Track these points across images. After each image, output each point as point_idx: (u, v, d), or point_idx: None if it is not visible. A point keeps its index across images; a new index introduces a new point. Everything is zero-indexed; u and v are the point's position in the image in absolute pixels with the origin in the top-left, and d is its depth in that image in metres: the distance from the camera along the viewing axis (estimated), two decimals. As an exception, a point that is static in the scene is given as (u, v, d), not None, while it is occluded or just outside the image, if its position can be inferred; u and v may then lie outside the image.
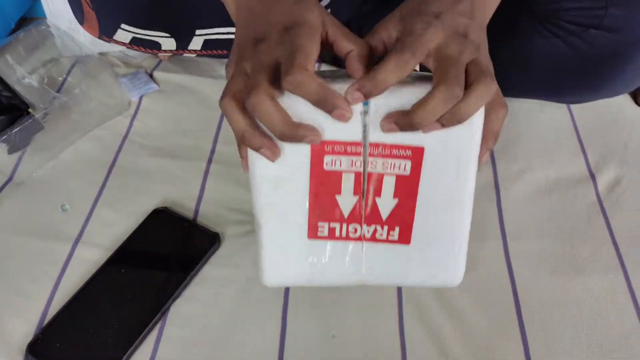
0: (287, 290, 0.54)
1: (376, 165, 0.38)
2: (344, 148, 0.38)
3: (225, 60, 0.78)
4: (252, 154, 0.40)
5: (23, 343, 0.49)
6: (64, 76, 0.75)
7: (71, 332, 0.49)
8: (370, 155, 0.38)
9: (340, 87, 0.35)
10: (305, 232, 0.42)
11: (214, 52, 0.69)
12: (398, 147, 0.37)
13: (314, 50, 0.35)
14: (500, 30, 0.62)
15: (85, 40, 0.74)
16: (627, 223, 0.60)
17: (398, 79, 0.34)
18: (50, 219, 0.59)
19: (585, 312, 0.53)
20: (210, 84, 0.75)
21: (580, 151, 0.68)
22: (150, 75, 0.76)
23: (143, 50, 0.66)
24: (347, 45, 0.37)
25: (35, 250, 0.56)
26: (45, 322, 0.50)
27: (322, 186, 0.40)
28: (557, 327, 0.52)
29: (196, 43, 0.66)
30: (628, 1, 0.57)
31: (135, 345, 0.49)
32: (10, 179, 0.63)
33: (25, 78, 0.71)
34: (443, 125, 0.35)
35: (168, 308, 0.52)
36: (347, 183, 0.40)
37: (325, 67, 0.77)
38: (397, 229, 0.41)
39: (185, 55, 0.72)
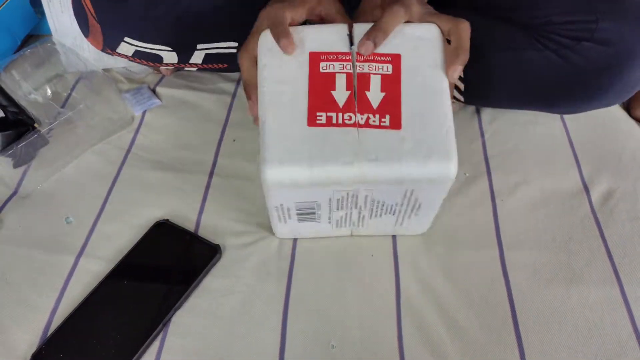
0: (286, 300, 0.54)
1: (363, 67, 0.47)
2: (335, 56, 0.49)
3: (226, 74, 0.80)
4: (263, 60, 0.49)
5: (27, 353, 0.50)
6: (69, 92, 0.76)
7: (75, 342, 0.50)
8: (357, 61, 0.47)
9: (326, 25, 0.51)
10: (305, 120, 0.47)
11: (215, 65, 0.70)
12: (379, 54, 0.48)
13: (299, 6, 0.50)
14: (494, 42, 0.64)
15: (89, 56, 0.75)
16: (620, 234, 0.61)
17: (395, 26, 0.48)
18: (54, 231, 0.60)
19: (580, 322, 0.54)
20: (211, 99, 0.76)
21: (574, 163, 0.69)
22: (153, 91, 0.77)
23: (145, 63, 0.68)
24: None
25: (40, 262, 0.57)
26: (49, 332, 0.51)
27: (319, 84, 0.48)
28: (553, 337, 0.53)
29: (197, 57, 0.67)
30: (618, 15, 0.58)
31: (138, 356, 0.49)
32: (15, 192, 0.64)
33: (31, 94, 0.73)
34: (375, 43, 0.48)
35: (170, 319, 0.53)
36: (340, 81, 0.48)
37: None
38: (387, 117, 0.46)
39: (186, 69, 0.74)
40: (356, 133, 0.47)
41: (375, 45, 0.48)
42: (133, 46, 0.65)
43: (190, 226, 0.60)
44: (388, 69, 0.48)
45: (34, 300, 0.54)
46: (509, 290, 0.56)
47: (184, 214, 0.62)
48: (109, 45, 0.65)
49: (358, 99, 0.47)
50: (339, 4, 0.53)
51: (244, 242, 0.59)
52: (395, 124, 0.46)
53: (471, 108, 0.76)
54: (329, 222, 0.56)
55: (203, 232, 0.60)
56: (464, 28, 0.49)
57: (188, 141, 0.71)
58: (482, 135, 0.72)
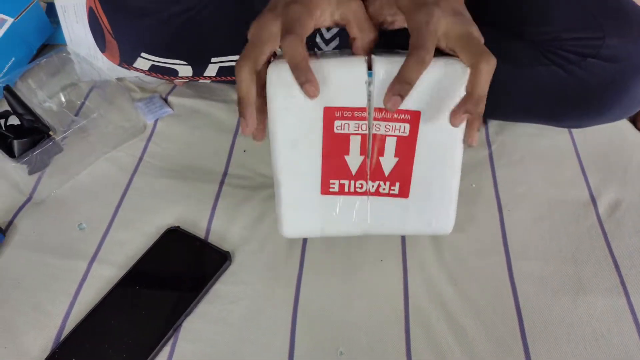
0: (295, 306, 0.55)
1: (380, 128, 0.44)
2: (351, 113, 0.45)
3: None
4: (273, 116, 0.46)
5: (41, 357, 0.50)
6: (83, 100, 0.78)
7: (87, 347, 0.51)
8: (374, 119, 0.44)
9: (344, 61, 0.46)
10: (319, 188, 0.49)
11: (228, 78, 0.71)
12: (399, 111, 0.43)
13: (309, 23, 0.43)
14: (501, 57, 0.65)
15: (103, 66, 0.77)
16: (627, 245, 0.61)
17: (421, 74, 0.41)
18: (67, 237, 0.61)
19: (587, 333, 0.54)
20: (222, 108, 0.77)
21: (581, 174, 0.69)
22: (165, 100, 0.78)
23: (161, 77, 0.69)
24: (354, 32, 0.46)
25: (53, 267, 0.58)
26: (62, 337, 0.52)
27: (333, 147, 0.46)
28: (561, 347, 0.53)
29: (211, 70, 0.69)
30: (624, 32, 0.59)
31: (149, 360, 0.50)
32: (29, 199, 0.65)
33: (46, 102, 0.75)
34: (401, 97, 0.41)
35: (180, 324, 0.53)
36: (354, 144, 0.47)
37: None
38: (397, 184, 0.47)
39: (200, 81, 0.75)
40: (366, 201, 0.50)
41: (402, 99, 0.42)
42: (149, 61, 0.66)
43: (200, 233, 0.61)
44: (405, 130, 0.45)
45: (47, 305, 0.55)
46: (516, 299, 0.57)
47: (194, 221, 0.63)
48: (126, 61, 0.67)
49: (371, 165, 0.48)
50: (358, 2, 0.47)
51: (253, 249, 0.60)
52: (404, 192, 0.48)
53: (478, 119, 0.76)
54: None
55: (213, 239, 0.61)
56: (485, 70, 0.43)
57: (199, 150, 0.72)
58: (489, 146, 0.73)
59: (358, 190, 0.49)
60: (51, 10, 0.84)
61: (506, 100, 0.68)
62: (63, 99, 0.77)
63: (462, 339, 0.53)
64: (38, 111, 0.67)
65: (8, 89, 0.66)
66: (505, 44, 0.65)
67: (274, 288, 0.57)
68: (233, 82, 0.76)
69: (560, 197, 0.67)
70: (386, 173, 0.47)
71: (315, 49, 0.69)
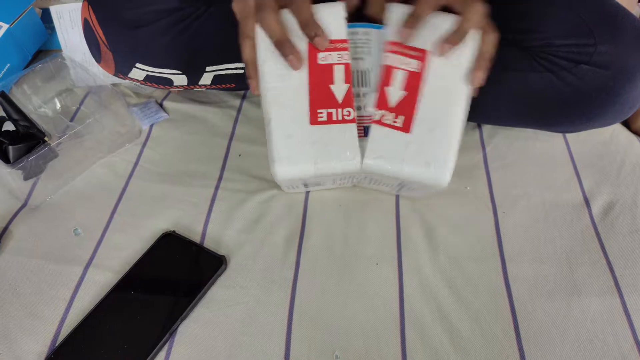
0: (291, 310, 0.55)
1: (387, 58, 0.46)
2: (333, 45, 0.49)
3: (234, 92, 0.81)
4: (262, 55, 0.50)
5: (36, 363, 0.50)
6: (78, 106, 0.78)
7: (83, 352, 0.51)
8: (386, 50, 0.46)
9: (324, 4, 0.49)
10: (308, 119, 0.50)
11: (223, 86, 0.72)
12: (408, 47, 0.46)
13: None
14: (495, 64, 0.65)
15: (98, 71, 0.77)
16: (621, 246, 0.62)
17: (430, 11, 0.49)
18: (63, 242, 0.61)
19: (582, 334, 0.54)
20: (218, 113, 0.78)
21: (575, 176, 0.70)
22: (161, 105, 0.79)
23: (156, 86, 0.69)
24: None
25: (49, 273, 0.58)
26: (58, 342, 0.52)
27: (318, 78, 0.48)
28: (555, 349, 0.53)
29: (206, 79, 0.69)
30: (616, 38, 0.60)
31: (145, 365, 0.50)
32: (25, 204, 0.65)
33: (41, 107, 0.75)
34: (451, 44, 0.49)
35: (176, 329, 0.53)
36: (338, 73, 0.48)
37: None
38: (401, 117, 0.47)
39: (195, 89, 0.75)
40: (354, 129, 0.50)
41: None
42: (144, 71, 0.66)
43: (196, 237, 0.61)
44: (415, 66, 0.48)
45: (43, 311, 0.55)
46: (511, 301, 0.57)
47: (190, 226, 0.63)
48: (121, 71, 0.67)
49: (379, 93, 0.49)
50: None
51: (249, 253, 0.60)
52: (407, 127, 0.48)
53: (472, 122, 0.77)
54: (333, 184, 0.62)
55: (209, 243, 0.61)
56: (494, 39, 0.52)
57: (194, 155, 0.72)
58: (484, 148, 0.73)
59: (346, 118, 0.49)
60: (46, 16, 0.84)
61: (499, 106, 0.68)
62: (58, 105, 0.77)
63: (457, 342, 0.53)
64: (33, 117, 0.67)
65: (3, 95, 0.66)
66: (498, 50, 0.65)
67: (270, 292, 0.57)
68: (228, 90, 0.77)
69: (554, 199, 0.67)
70: (391, 104, 0.48)
71: None
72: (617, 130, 0.76)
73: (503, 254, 0.61)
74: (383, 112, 0.48)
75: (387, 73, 0.47)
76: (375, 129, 0.49)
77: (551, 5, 0.62)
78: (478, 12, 0.52)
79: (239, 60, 0.68)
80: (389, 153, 0.50)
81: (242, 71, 0.69)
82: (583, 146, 0.74)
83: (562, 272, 0.60)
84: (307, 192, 0.66)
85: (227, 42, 0.66)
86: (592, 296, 0.57)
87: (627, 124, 0.78)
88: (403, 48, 0.47)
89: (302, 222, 0.63)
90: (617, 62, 0.59)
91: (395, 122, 0.48)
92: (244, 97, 0.81)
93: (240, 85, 0.72)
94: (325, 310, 0.56)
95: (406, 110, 0.48)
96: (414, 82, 0.47)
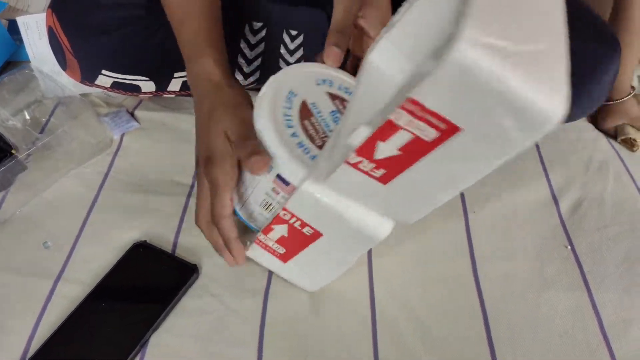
0: (263, 318, 0.55)
1: (400, 118, 0.34)
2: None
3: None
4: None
5: (5, 379, 0.50)
6: (48, 117, 0.77)
7: (53, 366, 0.50)
8: (402, 108, 0.32)
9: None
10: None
11: (192, 92, 0.72)
12: (437, 116, 0.32)
13: (229, 183, 0.47)
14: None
15: (68, 82, 0.76)
16: (589, 243, 0.63)
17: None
18: (32, 256, 0.60)
19: (552, 330, 0.55)
20: (189, 121, 0.77)
21: (543, 174, 0.71)
22: (132, 114, 0.78)
23: (123, 93, 0.69)
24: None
25: (18, 287, 0.57)
26: (28, 357, 0.51)
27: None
28: (526, 345, 0.54)
29: (174, 85, 0.69)
30: (579, 34, 0.61)
31: (116, 378, 0.50)
32: (-6, 218, 0.64)
33: (9, 120, 0.74)
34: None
35: (148, 340, 0.53)
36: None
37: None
38: (382, 171, 0.39)
39: (164, 96, 0.75)
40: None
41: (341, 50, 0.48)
42: (111, 78, 0.66)
43: (168, 247, 0.61)
44: (429, 135, 0.34)
45: (12, 326, 0.54)
46: (481, 300, 0.58)
47: (161, 235, 0.62)
48: (87, 78, 0.66)
49: (367, 143, 0.38)
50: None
51: (221, 261, 0.59)
52: (386, 179, 0.40)
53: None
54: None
55: (180, 252, 0.61)
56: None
57: (166, 163, 0.72)
58: (454, 149, 0.74)
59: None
60: (13, 28, 0.83)
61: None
62: (27, 117, 0.76)
63: (429, 342, 0.54)
64: (0, 130, 0.66)
65: (-31, 109, 0.65)
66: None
67: (242, 300, 0.57)
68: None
69: (523, 197, 0.68)
70: (376, 157, 0.38)
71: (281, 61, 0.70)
72: (584, 128, 0.78)
73: (473, 253, 0.62)
74: (362, 159, 0.38)
75: (388, 129, 0.35)
76: (345, 169, 0.40)
77: None
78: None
79: None
80: (350, 193, 0.43)
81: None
82: (551, 144, 0.75)
83: (532, 269, 0.60)
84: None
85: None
86: (561, 292, 0.58)
87: (594, 122, 0.79)
88: (425, 112, 0.32)
89: (275, 228, 0.63)
90: (581, 57, 0.60)
91: (373, 172, 0.39)
92: (216, 104, 0.80)
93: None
94: (297, 317, 0.56)
95: (392, 167, 0.38)
96: (418, 149, 0.35)
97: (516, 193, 0.68)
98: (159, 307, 0.55)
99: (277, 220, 0.48)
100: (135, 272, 0.58)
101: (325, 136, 0.47)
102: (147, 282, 0.58)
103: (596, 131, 0.78)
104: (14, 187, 0.66)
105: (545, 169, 0.72)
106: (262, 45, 0.69)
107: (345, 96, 0.50)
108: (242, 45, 0.69)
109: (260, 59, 0.70)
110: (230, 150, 0.47)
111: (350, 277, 0.59)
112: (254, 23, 0.68)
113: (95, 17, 0.62)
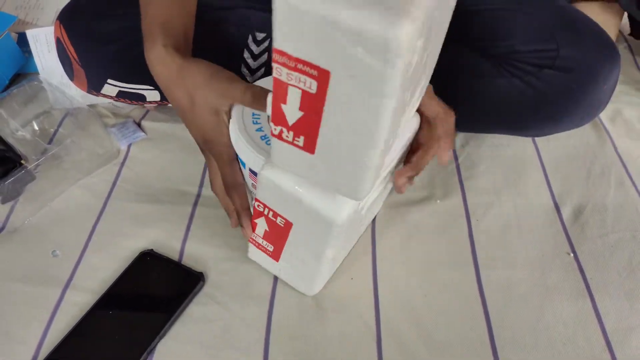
0: (268, 325, 0.56)
1: (281, 73, 0.36)
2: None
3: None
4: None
5: (14, 386, 0.51)
6: (56, 128, 0.79)
7: (61, 374, 0.51)
8: (273, 61, 0.36)
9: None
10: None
11: (197, 101, 0.73)
12: (303, 62, 0.35)
13: (231, 153, 0.51)
14: (463, 70, 0.67)
15: (75, 93, 0.78)
16: (591, 249, 0.63)
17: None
18: (41, 265, 0.61)
19: (555, 337, 0.55)
20: (195, 131, 0.78)
21: (545, 182, 0.71)
22: (139, 125, 0.79)
23: (129, 102, 0.70)
24: None
25: (27, 295, 0.58)
26: (36, 365, 0.52)
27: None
28: (529, 353, 0.54)
29: None
30: (577, 43, 0.62)
31: (123, 384, 0.50)
32: (3, 228, 0.65)
33: (18, 131, 0.75)
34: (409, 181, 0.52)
35: (154, 347, 0.54)
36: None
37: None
38: (302, 137, 0.40)
39: (169, 105, 0.76)
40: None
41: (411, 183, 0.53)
42: (116, 87, 0.67)
43: (174, 255, 0.62)
44: (312, 86, 0.36)
45: (21, 334, 0.55)
46: (485, 307, 0.58)
47: (168, 244, 0.63)
48: (93, 88, 0.68)
49: (273, 108, 0.40)
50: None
51: (226, 269, 0.61)
52: (309, 147, 0.41)
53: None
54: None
55: (187, 261, 0.62)
56: (433, 151, 0.52)
57: (172, 173, 0.73)
58: (456, 158, 0.75)
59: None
60: (23, 40, 0.85)
61: (470, 113, 0.70)
62: (36, 127, 0.78)
63: (433, 349, 0.54)
64: (10, 140, 0.68)
65: (-21, 120, 0.66)
66: (466, 58, 0.67)
67: (247, 307, 0.57)
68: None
69: (525, 204, 0.68)
70: (289, 122, 0.40)
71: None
72: (585, 134, 0.78)
73: (477, 260, 0.62)
74: (281, 128, 0.40)
75: (279, 88, 0.38)
76: (276, 143, 0.42)
77: (515, 14, 0.64)
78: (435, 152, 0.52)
79: None
80: (297, 166, 0.44)
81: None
82: (552, 152, 0.76)
83: (535, 276, 0.61)
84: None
85: (199, 57, 0.67)
86: (564, 299, 0.59)
87: None
88: (295, 61, 0.35)
89: (279, 236, 0.64)
90: (579, 66, 0.61)
91: (296, 140, 0.41)
92: (221, 114, 0.81)
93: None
94: (302, 323, 0.56)
95: (307, 131, 0.40)
96: (312, 104, 0.37)
97: (518, 200, 0.69)
98: (166, 314, 0.55)
99: (255, 213, 0.51)
100: (142, 280, 0.59)
101: None
102: (154, 290, 0.58)
103: (598, 137, 0.78)
104: (23, 196, 0.67)
105: (546, 176, 0.72)
106: (265, 56, 0.70)
107: None
108: (246, 55, 0.70)
109: (263, 69, 0.71)
110: (222, 123, 0.50)
111: (355, 282, 0.60)
112: (257, 33, 0.69)
113: (101, 28, 0.63)
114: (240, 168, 0.52)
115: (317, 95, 0.36)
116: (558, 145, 0.77)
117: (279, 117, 0.40)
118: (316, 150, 0.40)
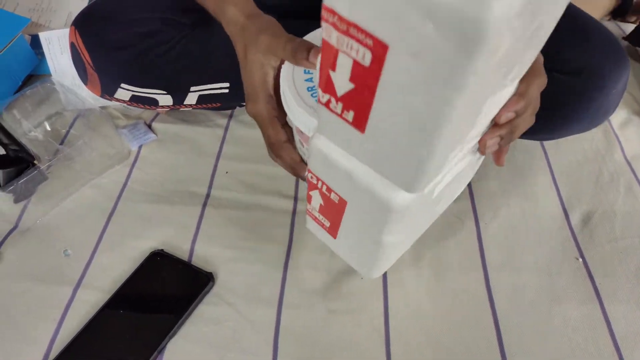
0: (277, 326, 0.56)
1: (330, 35, 0.31)
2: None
3: (220, 112, 0.83)
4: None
5: (26, 384, 0.51)
6: (68, 129, 0.79)
7: (72, 372, 0.52)
8: (323, 19, 0.31)
9: None
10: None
11: (208, 105, 0.73)
12: (357, 27, 0.29)
13: (269, 113, 0.50)
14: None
15: (87, 95, 0.79)
16: (600, 254, 0.63)
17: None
18: (53, 264, 0.62)
19: (564, 342, 0.55)
20: (205, 133, 0.79)
21: (553, 187, 0.72)
22: (149, 126, 0.80)
23: (142, 106, 0.71)
24: None
25: (39, 294, 0.59)
26: (47, 363, 0.53)
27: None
28: (538, 357, 0.54)
29: (191, 98, 0.70)
30: (585, 47, 0.62)
31: (133, 383, 0.51)
32: (15, 227, 0.66)
33: (31, 131, 0.76)
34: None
35: (164, 346, 0.54)
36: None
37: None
38: (351, 112, 0.35)
39: (181, 109, 0.77)
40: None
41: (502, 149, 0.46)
42: (129, 91, 0.68)
43: (184, 255, 0.62)
44: (365, 57, 0.30)
45: (33, 332, 0.55)
46: (494, 311, 0.58)
47: (178, 244, 0.64)
48: (107, 92, 0.68)
49: (321, 73, 0.35)
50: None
51: (236, 269, 0.61)
52: (359, 125, 0.36)
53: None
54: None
55: (196, 261, 0.62)
56: (542, 82, 0.45)
57: (182, 174, 0.73)
58: (465, 162, 0.75)
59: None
60: (36, 42, 0.85)
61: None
62: (48, 128, 0.79)
63: (442, 354, 0.54)
64: (23, 141, 0.68)
65: (-7, 120, 0.67)
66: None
67: (256, 308, 0.58)
68: (214, 109, 0.78)
69: (534, 209, 0.68)
70: (338, 93, 0.34)
71: None
72: (595, 139, 0.78)
73: (486, 265, 0.62)
74: (329, 97, 0.35)
75: (327, 52, 0.32)
76: (324, 112, 0.37)
77: None
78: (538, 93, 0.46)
79: (223, 80, 0.70)
80: (342, 142, 0.39)
81: (226, 91, 0.70)
82: (561, 157, 0.76)
83: (543, 281, 0.61)
84: (294, 211, 0.68)
85: (211, 63, 0.68)
86: (572, 304, 0.59)
87: None
88: (347, 24, 0.29)
89: (289, 239, 0.65)
90: (586, 68, 0.61)
91: (344, 114, 0.36)
92: (230, 117, 0.82)
93: (225, 104, 0.74)
94: (311, 325, 0.56)
95: (357, 107, 0.34)
96: (364, 79, 0.32)
97: (526, 204, 0.69)
98: (176, 314, 0.56)
99: (310, 185, 0.47)
100: (153, 280, 0.59)
101: None
102: (164, 290, 0.59)
103: (607, 143, 0.78)
104: (35, 196, 0.68)
105: (555, 181, 0.72)
106: None
107: None
108: None
109: None
110: (266, 79, 0.49)
111: (365, 286, 0.60)
112: None
113: (115, 33, 0.64)
114: (284, 127, 0.51)
115: (370, 69, 0.30)
116: (567, 150, 0.77)
117: (327, 84, 0.35)
118: (366, 130, 0.35)
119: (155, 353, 0.53)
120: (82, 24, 0.65)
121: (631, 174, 0.73)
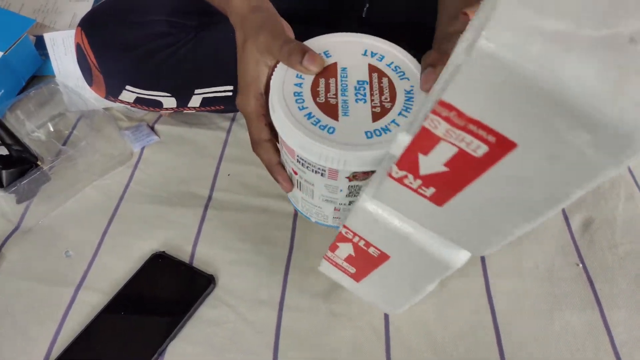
0: (278, 329, 0.56)
1: (437, 126, 0.28)
2: None
3: (222, 114, 0.83)
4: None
5: (26, 384, 0.51)
6: (71, 130, 0.80)
7: (73, 372, 0.52)
8: (434, 112, 0.27)
9: None
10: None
11: (212, 108, 0.73)
12: (479, 124, 0.26)
13: (256, 110, 0.50)
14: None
15: (91, 96, 0.79)
16: (600, 261, 0.63)
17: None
18: (54, 264, 0.62)
19: (564, 348, 0.56)
20: (207, 135, 0.79)
21: (555, 193, 0.72)
22: (152, 128, 0.80)
23: (146, 108, 0.71)
24: None
25: (40, 294, 0.59)
26: (48, 363, 0.53)
27: None
28: (537, 362, 0.54)
29: (195, 101, 0.71)
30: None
31: (134, 385, 0.51)
32: (17, 227, 0.66)
33: (34, 132, 0.76)
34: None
35: (165, 349, 0.54)
36: None
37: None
38: (432, 189, 0.33)
39: (184, 112, 0.77)
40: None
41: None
42: (134, 93, 0.68)
43: (185, 257, 0.63)
44: (478, 150, 0.28)
45: (34, 332, 0.56)
46: (494, 318, 0.58)
47: (179, 246, 0.64)
48: (112, 94, 0.69)
49: (407, 154, 0.32)
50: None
51: (237, 272, 0.61)
52: (439, 200, 0.34)
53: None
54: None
55: (198, 263, 0.62)
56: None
57: (185, 176, 0.73)
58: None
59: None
60: (40, 43, 0.86)
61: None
62: (51, 129, 0.79)
63: (441, 358, 0.54)
64: (26, 141, 0.69)
65: (-4, 121, 0.67)
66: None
67: (257, 311, 0.58)
68: (217, 112, 0.78)
69: (535, 215, 0.69)
70: (421, 173, 0.32)
71: None
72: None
73: (486, 270, 0.63)
74: (406, 173, 0.33)
75: (425, 138, 0.29)
76: (390, 183, 0.34)
77: None
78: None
79: (227, 83, 0.70)
80: (406, 211, 0.37)
81: (230, 94, 0.71)
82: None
83: (544, 287, 0.61)
84: (296, 214, 0.68)
85: (215, 66, 0.68)
86: (572, 310, 0.59)
87: None
88: (464, 120, 0.26)
89: (291, 242, 0.65)
90: None
91: (421, 189, 0.33)
92: (233, 119, 0.82)
93: (229, 107, 0.74)
94: (311, 329, 0.57)
95: (443, 185, 0.32)
96: (468, 166, 0.29)
97: (528, 211, 0.69)
98: (176, 316, 0.56)
99: (340, 237, 0.45)
100: (154, 281, 0.60)
101: (334, 96, 0.45)
102: (165, 291, 0.59)
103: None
104: (37, 197, 0.68)
105: (557, 188, 0.72)
106: None
107: (390, 73, 0.47)
108: None
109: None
110: (258, 80, 0.49)
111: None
112: None
113: (121, 35, 0.64)
114: (268, 125, 0.50)
115: (480, 160, 0.28)
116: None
117: (408, 165, 0.32)
118: (446, 205, 0.33)
119: (156, 355, 0.53)
120: (89, 25, 0.65)
121: (632, 180, 0.74)
